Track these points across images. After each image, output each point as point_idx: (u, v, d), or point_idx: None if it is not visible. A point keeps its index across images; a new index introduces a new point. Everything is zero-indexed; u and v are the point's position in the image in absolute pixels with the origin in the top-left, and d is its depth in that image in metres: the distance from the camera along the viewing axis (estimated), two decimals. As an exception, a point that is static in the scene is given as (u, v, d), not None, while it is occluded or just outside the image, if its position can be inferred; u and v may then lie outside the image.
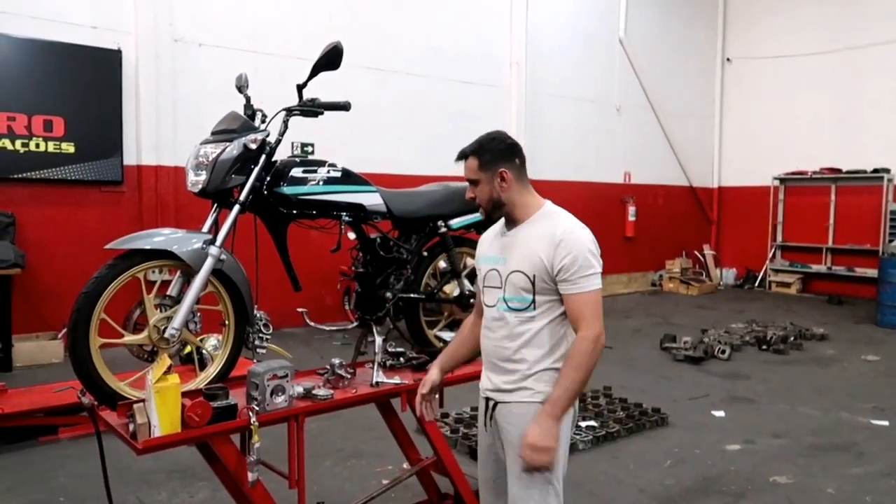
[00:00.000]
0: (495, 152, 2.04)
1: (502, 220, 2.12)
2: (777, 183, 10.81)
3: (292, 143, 6.92)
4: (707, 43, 11.44)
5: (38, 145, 5.74)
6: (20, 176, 5.70)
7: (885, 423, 4.37)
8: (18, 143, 5.65)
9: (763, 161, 10.95)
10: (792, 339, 6.73)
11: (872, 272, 9.09)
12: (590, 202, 9.56)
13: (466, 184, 3.06)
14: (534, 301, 1.98)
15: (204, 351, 2.65)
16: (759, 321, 7.63)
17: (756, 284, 10.92)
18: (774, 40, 10.81)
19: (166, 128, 6.38)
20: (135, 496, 3.21)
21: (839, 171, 10.02)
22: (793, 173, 10.57)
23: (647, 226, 10.51)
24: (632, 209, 10.36)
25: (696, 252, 11.43)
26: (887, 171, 9.55)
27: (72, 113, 5.87)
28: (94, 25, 6.03)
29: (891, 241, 9.06)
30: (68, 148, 5.87)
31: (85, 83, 5.94)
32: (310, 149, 7.09)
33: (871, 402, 4.80)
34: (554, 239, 1.95)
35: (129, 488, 3.25)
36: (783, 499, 3.26)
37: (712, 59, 11.51)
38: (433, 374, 2.22)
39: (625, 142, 10.32)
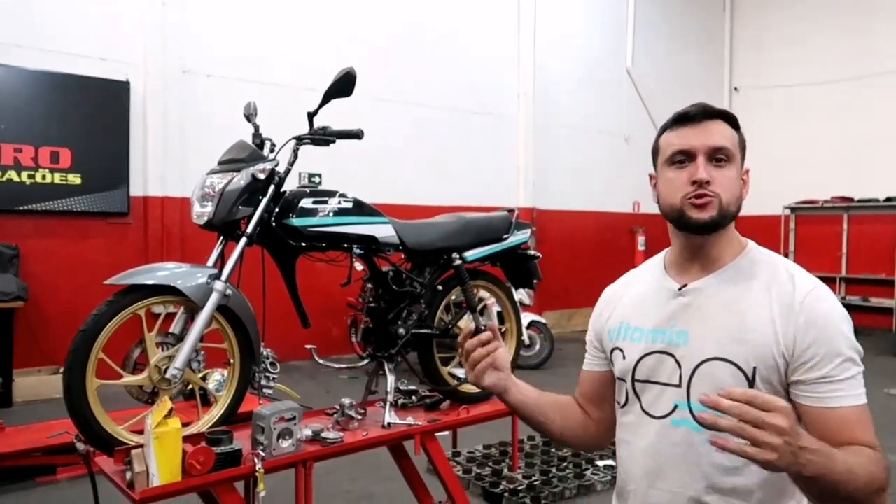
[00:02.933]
0: (741, 135, 1.29)
1: (652, 266, 1.38)
2: (788, 212, 10.69)
3: (300, 174, 6.81)
4: (714, 72, 11.44)
5: (44, 177, 5.69)
6: (25, 208, 5.64)
7: (916, 461, 4.19)
8: (25, 174, 5.60)
9: (773, 190, 10.81)
10: (811, 371, 6.56)
11: (889, 302, 8.92)
12: (598, 232, 9.48)
13: (481, 215, 2.99)
14: None
15: (208, 388, 2.52)
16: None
17: (769, 315, 10.73)
18: (782, 70, 10.79)
19: (173, 159, 6.33)
20: (133, 542, 3.06)
21: (851, 199, 9.91)
22: (804, 202, 10.46)
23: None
24: (641, 239, 10.24)
25: (707, 282, 11.27)
26: (900, 199, 9.43)
27: (79, 144, 5.84)
28: (102, 57, 6.03)
29: (907, 270, 8.91)
30: (75, 179, 5.82)
31: (93, 114, 5.91)
32: (317, 179, 6.98)
33: (898, 439, 4.61)
34: (791, 302, 1.16)
35: (128, 534, 3.10)
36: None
37: (720, 88, 11.50)
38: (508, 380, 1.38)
39: (633, 171, 10.23)
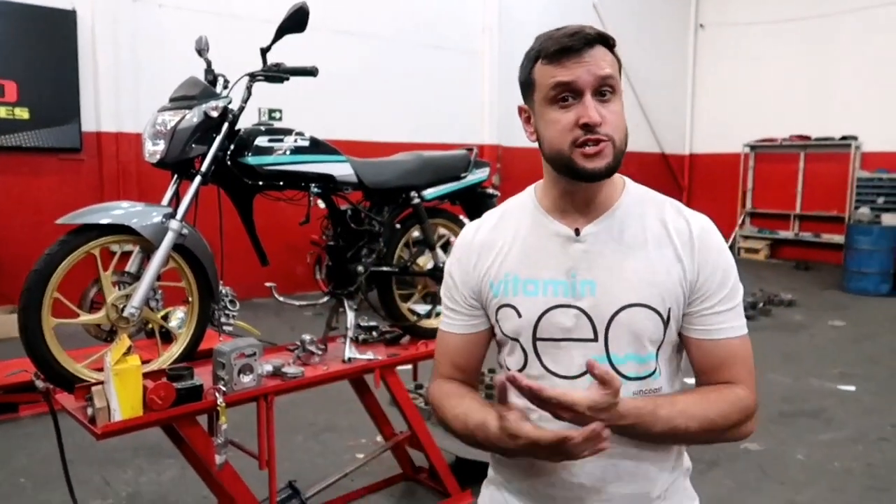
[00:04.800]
0: (618, 56, 1.14)
1: (523, 207, 1.25)
2: (748, 150, 10.86)
3: (259, 109, 6.71)
4: (680, 9, 11.34)
5: (-11, 111, 5.47)
6: (-29, 143, 5.43)
7: (852, 388, 4.45)
8: (-32, 108, 5.38)
9: (734, 128, 10.97)
10: (761, 304, 6.82)
11: (839, 238, 9.24)
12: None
13: (440, 154, 2.99)
14: (657, 361, 1.16)
15: (169, 326, 2.54)
16: (728, 288, 7.70)
17: (725, 251, 11.02)
18: (748, 7, 10.74)
19: (126, 93, 6.12)
20: (100, 476, 3.12)
21: (808, 138, 10.09)
22: (763, 140, 10.62)
23: (619, 193, 10.50)
24: (604, 176, 10.31)
25: (667, 219, 11.47)
26: (855, 138, 9.63)
27: (25, 77, 5.59)
28: (45, -16, 5.71)
29: (857, 207, 9.19)
30: (22, 114, 5.60)
31: (38, 46, 5.65)
32: (277, 115, 6.89)
33: (838, 368, 4.88)
34: (690, 237, 1.15)
35: (94, 468, 3.16)
36: (754, 466, 3.30)
37: (685, 25, 11.43)
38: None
39: (598, 108, 10.23)
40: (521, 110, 1.22)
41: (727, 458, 3.37)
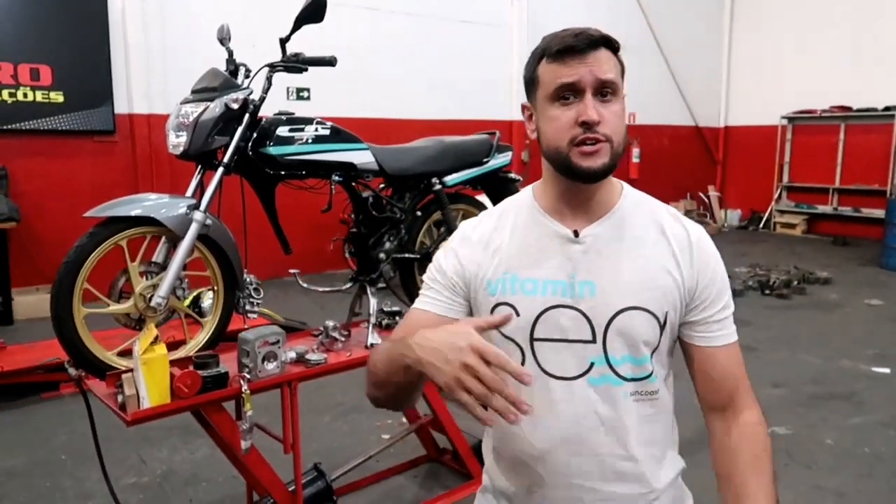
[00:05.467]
0: (622, 60, 1.17)
1: (521, 207, 1.25)
2: (785, 122, 10.56)
3: (287, 88, 6.74)
4: (716, -25, 11.00)
5: (25, 95, 5.59)
6: (9, 127, 5.56)
7: (887, 370, 4.36)
8: (6, 92, 5.50)
9: (771, 99, 10.66)
10: (795, 283, 6.69)
11: (879, 213, 8.96)
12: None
13: (461, 139, 2.98)
14: (652, 365, 1.18)
15: (203, 306, 2.58)
16: (762, 264, 7.57)
17: (761, 226, 10.81)
18: (787, -28, 10.38)
19: (157, 75, 6.19)
20: (136, 454, 3.24)
21: (849, 109, 9.77)
22: (801, 112, 10.31)
23: (651, 168, 10.32)
24: (636, 151, 10.16)
25: (700, 194, 11.28)
26: (899, 108, 9.30)
27: (58, 61, 5.69)
28: (76, -32, 5.78)
29: (899, 181, 8.91)
30: (57, 97, 5.72)
31: (71, 30, 5.73)
32: (305, 94, 6.91)
33: (872, 349, 4.78)
34: (688, 244, 1.18)
35: (130, 446, 3.27)
36: (782, 450, 3.26)
37: (722, -7, 11.09)
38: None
39: (630, 82, 9.82)
40: (524, 108, 1.24)
41: (753, 441, 3.34)
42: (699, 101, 11.01)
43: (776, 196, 10.75)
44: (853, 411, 3.73)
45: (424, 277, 1.31)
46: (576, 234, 1.18)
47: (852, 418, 3.64)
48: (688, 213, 10.56)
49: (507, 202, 1.30)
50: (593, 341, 1.15)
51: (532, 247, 1.20)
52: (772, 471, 1.17)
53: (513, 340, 1.19)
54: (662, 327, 1.17)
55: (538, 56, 1.16)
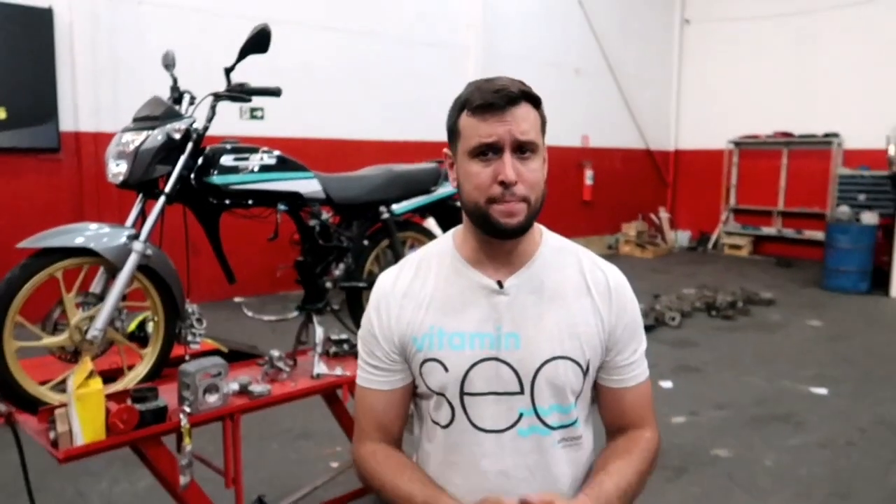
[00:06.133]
0: (543, 114, 1.18)
1: (442, 256, 1.25)
2: (732, 146, 10.92)
3: (240, 108, 6.67)
4: (666, 4, 11.35)
5: (-35, 111, 5.42)
6: (-53, 144, 5.38)
7: (825, 391, 4.51)
8: (-57, 108, 5.32)
9: (719, 124, 11.02)
10: (740, 304, 6.88)
11: (820, 235, 9.31)
12: (548, 166, 9.53)
13: (409, 167, 3.00)
14: (576, 411, 1.22)
15: (147, 330, 2.52)
16: (709, 285, 7.76)
17: (710, 247, 11.11)
18: (733, 2, 10.77)
19: (105, 92, 6.07)
20: (74, 487, 3.13)
21: (791, 135, 10.16)
22: (747, 137, 10.68)
23: (604, 189, 10.54)
24: (589, 173, 10.36)
25: (651, 215, 11.54)
26: (837, 135, 9.70)
27: (1, 77, 5.53)
28: (22, -19, 5.65)
29: (838, 205, 9.26)
30: (-1, 114, 5.56)
31: (14, 44, 5.58)
32: (259, 113, 6.86)
33: (812, 370, 4.95)
34: (607, 290, 1.21)
35: (68, 479, 3.16)
36: (723, 473, 3.35)
37: (671, 20, 11.45)
38: None
39: (583, 105, 10.24)
40: (445, 155, 1.25)
41: (696, 464, 3.42)
42: (650, 124, 11.30)
43: (723, 218, 11.06)
44: (792, 432, 3.85)
45: (359, 345, 1.31)
46: (500, 284, 1.19)
47: (791, 439, 3.75)
48: (639, 235, 10.80)
49: (426, 250, 1.31)
50: (521, 392, 1.17)
51: (456, 299, 1.20)
52: (639, 465, 1.19)
53: (443, 395, 1.20)
54: (586, 373, 1.21)
55: (459, 106, 1.17)
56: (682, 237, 11.62)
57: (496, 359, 1.17)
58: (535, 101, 1.16)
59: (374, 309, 1.27)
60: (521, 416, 1.18)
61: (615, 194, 10.79)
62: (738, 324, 6.32)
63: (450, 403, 1.20)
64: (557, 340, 1.17)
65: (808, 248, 9.95)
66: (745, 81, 10.67)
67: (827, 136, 9.77)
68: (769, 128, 10.41)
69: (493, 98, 1.11)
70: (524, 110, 1.13)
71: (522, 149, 1.12)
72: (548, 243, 1.24)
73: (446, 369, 1.18)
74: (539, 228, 1.25)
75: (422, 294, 1.23)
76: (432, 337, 1.20)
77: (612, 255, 10.68)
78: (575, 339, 1.18)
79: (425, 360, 1.21)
